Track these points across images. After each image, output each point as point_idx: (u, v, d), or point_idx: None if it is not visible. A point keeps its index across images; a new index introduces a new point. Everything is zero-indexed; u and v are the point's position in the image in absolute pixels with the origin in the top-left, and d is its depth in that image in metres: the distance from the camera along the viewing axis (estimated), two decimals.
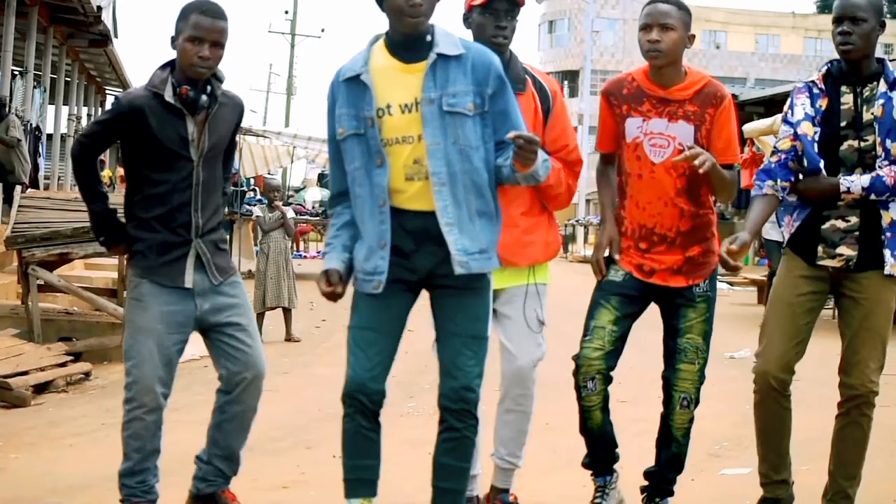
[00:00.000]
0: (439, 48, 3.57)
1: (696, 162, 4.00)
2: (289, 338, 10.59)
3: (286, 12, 47.09)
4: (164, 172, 4.03)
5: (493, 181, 3.66)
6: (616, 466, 4.41)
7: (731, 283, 18.16)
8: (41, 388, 7.54)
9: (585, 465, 4.43)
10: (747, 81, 49.17)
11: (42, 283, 9.02)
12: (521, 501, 4.45)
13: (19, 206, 9.66)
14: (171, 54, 4.07)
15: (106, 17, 17.52)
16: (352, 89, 3.63)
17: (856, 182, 3.98)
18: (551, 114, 4.22)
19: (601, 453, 4.37)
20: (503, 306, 4.25)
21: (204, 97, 4.01)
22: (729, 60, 57.05)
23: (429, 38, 3.58)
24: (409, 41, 3.59)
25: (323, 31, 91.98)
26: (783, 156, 4.12)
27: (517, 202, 4.18)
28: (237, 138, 4.43)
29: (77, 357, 8.53)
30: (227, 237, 4.34)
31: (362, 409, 3.62)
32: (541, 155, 3.54)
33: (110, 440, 5.83)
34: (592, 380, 4.28)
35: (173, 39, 4.01)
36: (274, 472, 4.51)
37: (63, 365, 8.08)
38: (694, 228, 4.25)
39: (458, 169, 3.57)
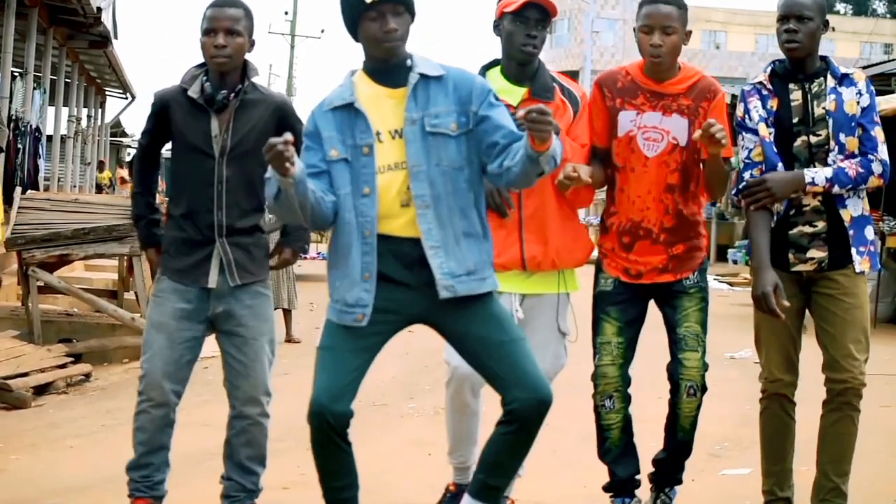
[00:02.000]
0: (420, 69, 3.54)
1: (715, 135, 3.91)
2: (289, 339, 10.59)
3: (286, 13, 47.10)
4: (187, 169, 4.06)
5: (479, 201, 3.60)
6: (637, 493, 4.38)
7: (730, 284, 18.16)
8: (41, 390, 7.54)
9: (605, 487, 4.41)
10: (747, 81, 49.16)
11: (42, 284, 9.02)
12: (521, 502, 4.45)
13: (19, 207, 9.65)
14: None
15: (106, 18, 17.49)
16: (340, 118, 3.55)
17: (819, 174, 3.99)
18: (577, 116, 4.21)
19: (621, 473, 4.35)
20: (528, 312, 4.21)
21: (223, 92, 4.01)
22: (729, 60, 57.00)
23: (408, 62, 3.56)
24: (389, 67, 3.55)
25: (323, 31, 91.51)
26: (763, 168, 4.10)
27: (546, 206, 4.15)
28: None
29: (77, 358, 8.53)
30: (265, 241, 4.29)
31: (327, 430, 3.47)
32: (552, 139, 3.41)
33: (110, 441, 5.84)
34: (610, 398, 4.30)
35: (200, 41, 4.04)
36: (274, 472, 4.50)
37: (63, 366, 8.08)
38: (677, 227, 4.23)
39: (442, 191, 3.51)
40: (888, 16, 59.73)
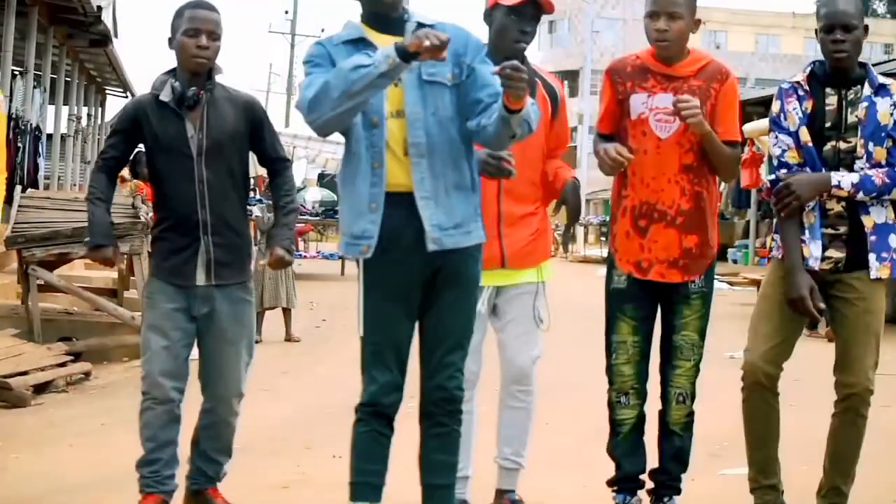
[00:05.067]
0: (416, 18, 3.61)
1: (685, 112, 3.98)
2: (288, 338, 10.60)
3: (286, 12, 47.12)
4: (168, 171, 4.14)
5: (470, 153, 3.64)
6: (640, 493, 4.39)
7: (731, 283, 18.14)
8: (41, 388, 7.53)
9: (610, 482, 4.41)
10: (747, 81, 49.10)
11: (42, 282, 9.01)
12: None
13: (19, 205, 9.65)
14: (171, 55, 4.14)
15: (106, 17, 17.50)
16: (352, 52, 3.54)
17: (845, 178, 3.99)
18: (557, 111, 4.22)
19: (628, 469, 4.35)
20: (508, 303, 4.24)
21: (193, 89, 4.07)
22: (729, 60, 56.77)
23: (406, 16, 3.62)
24: (387, 16, 3.60)
25: (323, 31, 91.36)
26: (797, 170, 4.06)
27: (527, 201, 4.17)
28: (278, 144, 4.42)
29: (77, 357, 8.51)
30: (249, 240, 4.37)
31: (378, 415, 3.61)
32: (527, 98, 3.47)
33: (110, 440, 5.84)
34: (626, 395, 4.31)
35: (171, 40, 4.11)
36: (274, 472, 4.51)
37: (63, 365, 8.07)
38: (693, 211, 4.22)
39: (437, 140, 3.54)
40: (888, 16, 59.75)
